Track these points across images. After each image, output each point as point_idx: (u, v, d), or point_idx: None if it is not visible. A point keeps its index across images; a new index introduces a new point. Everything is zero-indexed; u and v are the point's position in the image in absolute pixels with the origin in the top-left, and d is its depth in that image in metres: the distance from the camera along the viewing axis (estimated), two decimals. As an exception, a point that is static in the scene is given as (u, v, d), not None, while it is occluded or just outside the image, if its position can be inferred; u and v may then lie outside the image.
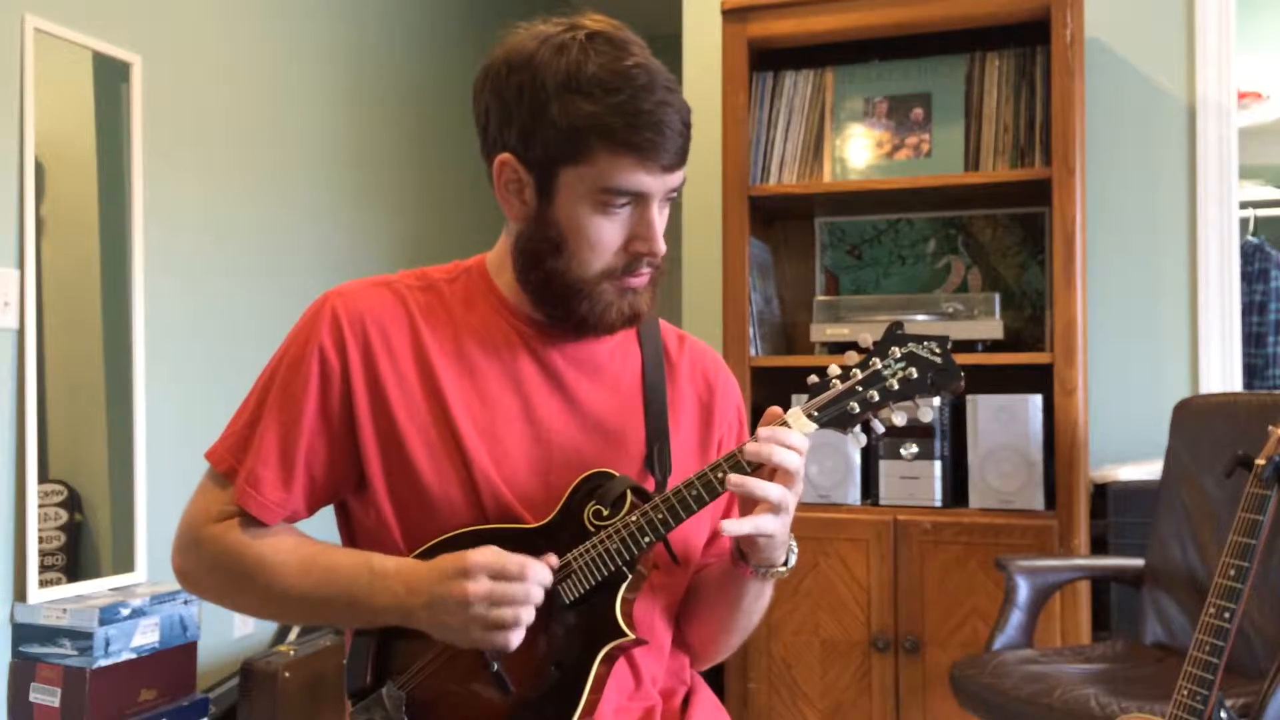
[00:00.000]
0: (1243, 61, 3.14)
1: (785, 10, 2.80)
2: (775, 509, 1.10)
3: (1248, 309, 3.57)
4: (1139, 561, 2.37)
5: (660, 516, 1.10)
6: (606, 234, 1.13)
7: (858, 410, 1.12)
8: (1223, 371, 2.84)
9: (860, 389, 1.12)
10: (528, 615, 1.06)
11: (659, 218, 1.15)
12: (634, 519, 1.11)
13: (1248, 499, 1.66)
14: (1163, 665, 2.16)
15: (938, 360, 1.12)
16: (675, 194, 1.16)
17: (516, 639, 1.07)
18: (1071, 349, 2.52)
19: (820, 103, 2.92)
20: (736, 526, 1.10)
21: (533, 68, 1.11)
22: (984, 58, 2.82)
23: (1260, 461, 1.65)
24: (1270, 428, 1.67)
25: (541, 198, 1.15)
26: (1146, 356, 2.90)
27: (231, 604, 1.23)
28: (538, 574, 1.07)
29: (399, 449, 1.16)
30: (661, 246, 1.15)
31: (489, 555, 1.07)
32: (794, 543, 1.20)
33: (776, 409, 1.14)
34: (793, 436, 1.10)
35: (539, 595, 1.07)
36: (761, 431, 1.11)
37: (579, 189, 1.12)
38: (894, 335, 1.14)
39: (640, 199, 1.13)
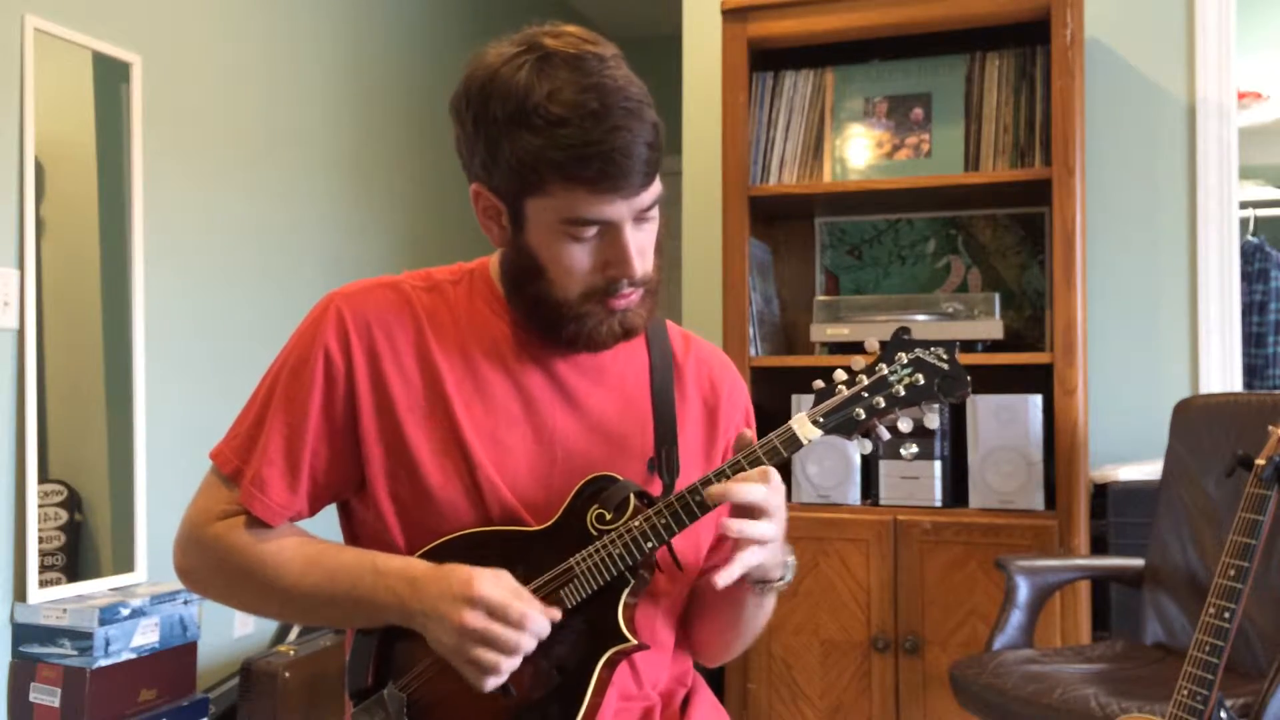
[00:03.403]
0: (1243, 61, 3.14)
1: (785, 10, 2.80)
2: (761, 543, 1.09)
3: (1248, 309, 3.57)
4: (1139, 561, 2.37)
5: (664, 521, 1.10)
6: (579, 260, 1.11)
7: (864, 417, 1.11)
8: (1223, 371, 2.84)
9: (866, 395, 1.11)
10: (509, 665, 1.06)
11: (635, 237, 1.11)
12: (637, 523, 1.10)
13: (1248, 499, 1.66)
14: (1163, 665, 2.16)
15: (945, 366, 1.11)
16: (650, 211, 1.12)
17: (492, 684, 1.06)
18: (1071, 349, 2.52)
19: (820, 103, 2.92)
20: (728, 575, 1.07)
21: (485, 98, 1.08)
22: (984, 58, 2.82)
23: (1260, 461, 1.66)
24: (1270, 428, 1.68)
25: (515, 226, 1.13)
26: (1146, 356, 2.90)
27: (234, 602, 1.23)
28: (535, 625, 1.06)
29: (403, 450, 1.16)
30: (637, 269, 1.11)
31: (498, 592, 1.06)
32: (791, 557, 1.20)
33: (748, 431, 1.14)
34: (752, 484, 1.09)
35: (530, 647, 1.06)
36: (712, 489, 1.09)
37: (545, 219, 1.10)
38: (900, 341, 1.12)
39: (608, 225, 1.10)
